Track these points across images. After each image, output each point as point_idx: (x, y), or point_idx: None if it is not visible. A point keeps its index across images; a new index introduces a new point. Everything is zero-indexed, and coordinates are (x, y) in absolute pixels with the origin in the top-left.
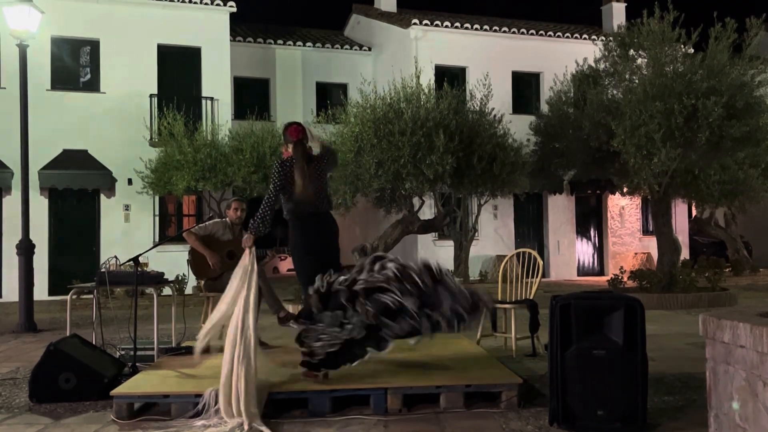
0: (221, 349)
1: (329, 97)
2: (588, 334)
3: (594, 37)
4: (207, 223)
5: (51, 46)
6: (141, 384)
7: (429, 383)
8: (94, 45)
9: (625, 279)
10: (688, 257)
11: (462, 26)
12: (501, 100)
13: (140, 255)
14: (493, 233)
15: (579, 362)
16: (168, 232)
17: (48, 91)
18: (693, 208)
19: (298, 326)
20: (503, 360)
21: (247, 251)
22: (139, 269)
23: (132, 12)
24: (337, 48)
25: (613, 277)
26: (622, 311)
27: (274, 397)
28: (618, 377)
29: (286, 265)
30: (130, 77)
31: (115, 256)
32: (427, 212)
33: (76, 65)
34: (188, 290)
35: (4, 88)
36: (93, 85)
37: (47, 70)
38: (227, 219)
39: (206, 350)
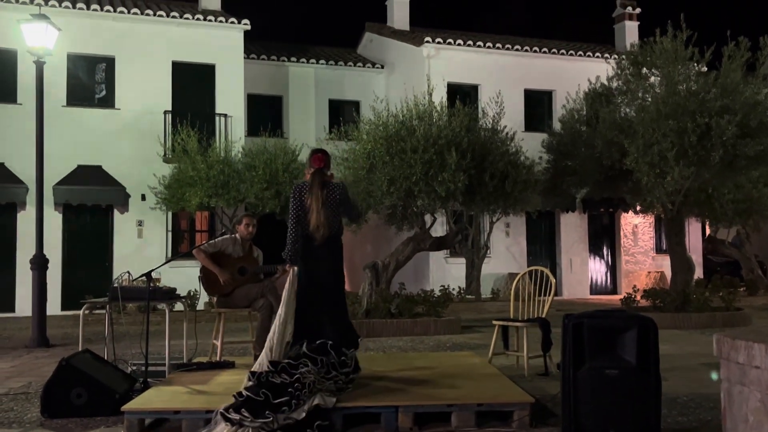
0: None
1: (342, 114)
2: (601, 354)
3: (606, 55)
4: (217, 239)
5: (67, 63)
6: (152, 400)
7: (440, 402)
8: (109, 62)
9: (638, 298)
10: (701, 276)
11: (474, 44)
12: (513, 118)
13: (153, 270)
14: (505, 251)
15: (592, 382)
16: (181, 248)
17: (64, 107)
18: (707, 227)
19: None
20: (515, 379)
21: (290, 270)
22: (152, 285)
23: (147, 29)
24: (350, 66)
25: (626, 296)
26: (636, 330)
27: None
28: (631, 397)
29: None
30: (145, 94)
31: (128, 272)
32: (439, 229)
33: (91, 82)
34: (200, 306)
35: (21, 104)
36: (108, 102)
37: (63, 87)
38: (237, 235)
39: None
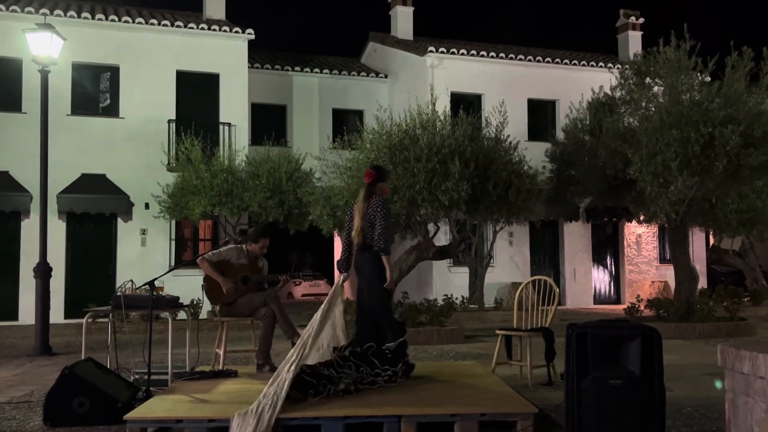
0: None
1: (345, 123)
2: (605, 364)
3: (610, 65)
4: (221, 249)
5: (72, 72)
6: (154, 409)
7: (443, 411)
8: (113, 71)
9: (642, 308)
10: (705, 286)
11: (478, 54)
12: (517, 128)
13: (156, 279)
14: (509, 260)
15: (595, 392)
16: (184, 257)
17: (68, 116)
18: (711, 237)
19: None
20: (518, 389)
21: (339, 276)
22: (155, 293)
23: (152, 39)
24: (354, 75)
25: (629, 305)
26: (640, 340)
27: (287, 423)
28: (635, 407)
29: (300, 290)
30: (149, 103)
31: (131, 280)
32: (443, 238)
33: (96, 91)
34: (203, 315)
35: (26, 113)
36: (112, 111)
37: (68, 96)
38: (245, 246)
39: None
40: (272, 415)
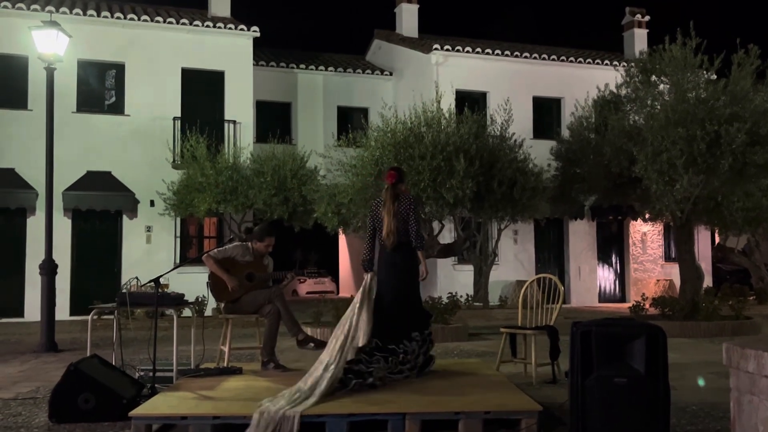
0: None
1: (350, 121)
2: (609, 362)
3: (615, 62)
4: (227, 246)
5: (77, 69)
6: (159, 405)
7: (447, 409)
8: (119, 68)
9: (647, 306)
10: (711, 285)
11: (483, 51)
12: (522, 125)
13: (161, 276)
14: (513, 258)
15: (600, 390)
16: (189, 254)
17: (74, 113)
18: (716, 235)
19: (316, 348)
20: (523, 387)
21: (367, 276)
22: (160, 290)
23: (157, 36)
24: (359, 73)
25: (634, 304)
26: (644, 339)
27: None
28: (640, 406)
29: (305, 287)
30: (154, 100)
31: (136, 277)
32: (447, 236)
33: (101, 88)
34: (208, 312)
35: (32, 110)
36: (118, 108)
37: (73, 93)
38: (249, 244)
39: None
40: (300, 410)
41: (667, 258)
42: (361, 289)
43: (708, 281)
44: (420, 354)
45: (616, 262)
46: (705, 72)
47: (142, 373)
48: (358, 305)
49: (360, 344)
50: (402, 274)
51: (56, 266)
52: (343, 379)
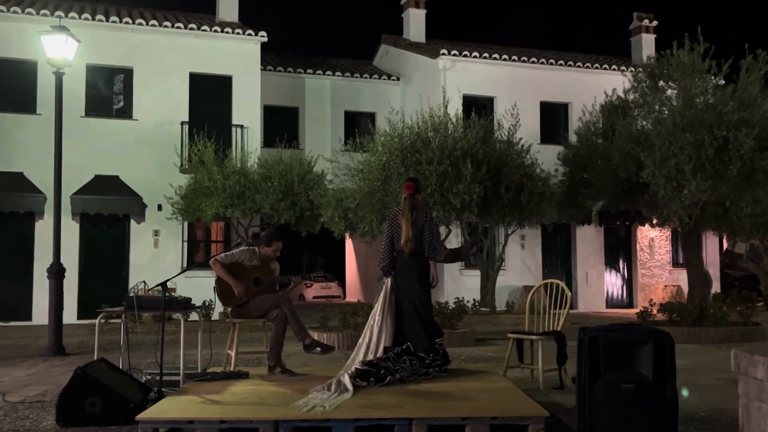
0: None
1: (357, 125)
2: (617, 368)
3: (623, 67)
4: (234, 251)
5: (86, 74)
6: (166, 409)
7: (454, 414)
8: (127, 73)
9: (655, 312)
10: (719, 291)
11: (490, 57)
12: (529, 130)
13: (168, 280)
14: (521, 263)
15: (607, 396)
16: (196, 258)
17: (82, 117)
18: (724, 241)
19: (323, 353)
20: (530, 392)
21: (387, 280)
22: (167, 294)
23: (165, 41)
24: (366, 78)
25: (642, 309)
26: (652, 345)
27: (298, 426)
28: (647, 412)
29: (312, 292)
30: (162, 105)
31: (144, 281)
32: (454, 241)
33: (109, 92)
34: (215, 316)
35: (40, 115)
36: (126, 112)
37: (82, 97)
38: (257, 249)
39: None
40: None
41: (675, 264)
42: (382, 292)
43: (716, 287)
44: (441, 359)
45: (623, 268)
46: (713, 77)
47: (149, 377)
48: (380, 308)
49: (386, 344)
50: (419, 277)
51: (64, 270)
52: (376, 373)
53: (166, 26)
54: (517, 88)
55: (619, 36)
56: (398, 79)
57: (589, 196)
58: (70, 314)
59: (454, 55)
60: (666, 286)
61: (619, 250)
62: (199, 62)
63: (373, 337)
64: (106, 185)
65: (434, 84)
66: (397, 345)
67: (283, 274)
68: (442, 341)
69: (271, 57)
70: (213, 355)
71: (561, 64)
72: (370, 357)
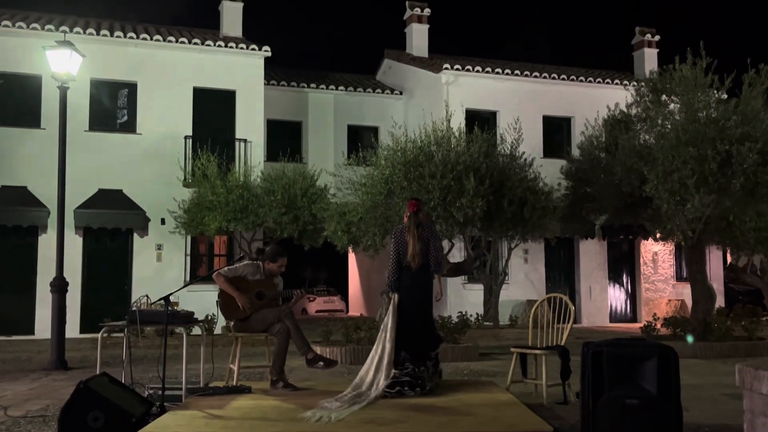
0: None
1: (360, 139)
2: (621, 383)
3: (626, 82)
4: (237, 265)
5: (90, 89)
6: (168, 424)
7: (458, 430)
8: (131, 87)
9: (659, 326)
10: (723, 305)
11: (493, 71)
12: (532, 144)
13: (171, 294)
14: (524, 277)
15: (611, 411)
16: (199, 272)
17: (86, 132)
18: (728, 255)
19: (325, 367)
20: (533, 407)
21: (394, 295)
22: (170, 309)
23: (169, 56)
24: (369, 92)
25: (646, 324)
26: (656, 359)
27: None
28: (651, 427)
29: (314, 306)
30: (166, 119)
31: (147, 295)
32: (457, 255)
33: (113, 107)
34: (217, 330)
35: (44, 129)
36: (130, 127)
37: (86, 112)
38: (260, 263)
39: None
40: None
41: (679, 278)
42: (390, 308)
43: (720, 301)
44: (432, 372)
45: (627, 282)
46: (716, 91)
47: (151, 392)
48: (390, 323)
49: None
50: (424, 291)
51: (67, 284)
52: (409, 381)
53: (170, 41)
54: (519, 102)
55: (622, 50)
56: (401, 93)
57: (592, 210)
58: (72, 328)
59: (457, 69)
60: (670, 300)
61: (623, 265)
62: (203, 77)
63: (386, 349)
64: (109, 199)
65: (437, 98)
66: (396, 355)
67: (286, 288)
68: (438, 353)
69: (274, 71)
70: (215, 370)
71: (564, 79)
72: (385, 366)
